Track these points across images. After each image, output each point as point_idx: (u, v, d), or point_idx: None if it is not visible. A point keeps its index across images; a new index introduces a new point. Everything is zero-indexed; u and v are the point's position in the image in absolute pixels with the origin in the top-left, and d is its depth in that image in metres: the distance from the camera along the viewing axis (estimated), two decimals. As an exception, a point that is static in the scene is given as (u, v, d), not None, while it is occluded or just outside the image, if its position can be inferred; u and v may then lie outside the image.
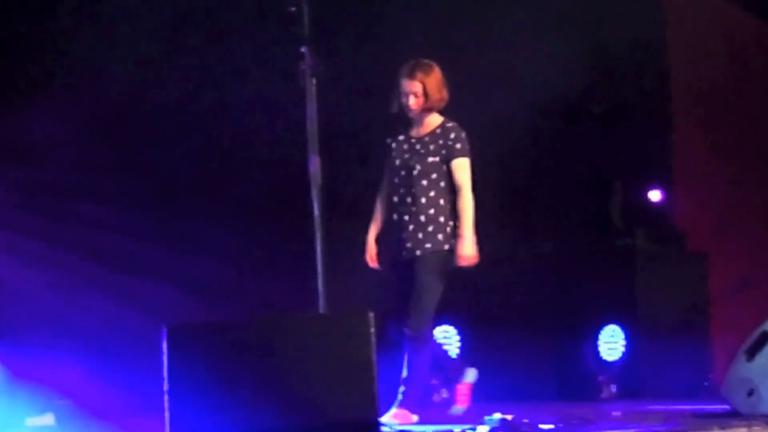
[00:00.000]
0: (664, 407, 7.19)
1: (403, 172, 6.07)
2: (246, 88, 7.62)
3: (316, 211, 5.43)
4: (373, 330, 4.63)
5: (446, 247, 6.09)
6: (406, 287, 6.06)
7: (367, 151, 7.63)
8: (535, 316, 8.65)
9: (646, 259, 8.85)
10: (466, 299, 8.39)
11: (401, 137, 6.16)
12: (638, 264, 8.82)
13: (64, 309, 7.05)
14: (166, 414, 4.56)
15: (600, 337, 8.68)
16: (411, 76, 6.06)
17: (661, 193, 9.20)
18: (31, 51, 6.95)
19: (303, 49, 5.37)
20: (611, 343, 8.71)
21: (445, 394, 8.20)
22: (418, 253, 6.06)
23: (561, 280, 8.79)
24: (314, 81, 5.36)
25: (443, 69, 6.06)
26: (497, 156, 8.42)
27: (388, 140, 6.16)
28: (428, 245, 6.07)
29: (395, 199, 6.08)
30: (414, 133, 6.16)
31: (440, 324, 8.26)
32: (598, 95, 8.95)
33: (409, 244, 6.05)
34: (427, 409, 7.88)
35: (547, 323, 8.66)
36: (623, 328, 8.71)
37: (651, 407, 7.37)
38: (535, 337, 8.53)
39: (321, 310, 5.29)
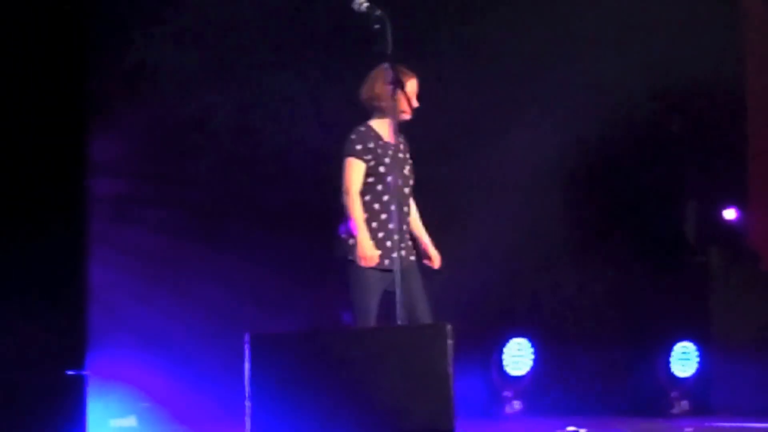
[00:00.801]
0: (736, 424, 7.20)
1: (400, 181, 5.87)
2: (323, 106, 7.73)
3: (395, 225, 5.49)
4: (450, 342, 4.70)
5: None
6: (406, 290, 5.82)
7: (442, 162, 7.72)
8: (609, 330, 8.67)
9: (719, 277, 8.85)
10: (540, 313, 8.45)
11: (380, 141, 5.90)
12: (712, 281, 8.83)
13: (148, 315, 7.19)
14: (247, 421, 4.66)
15: (673, 353, 8.68)
16: (416, 77, 5.95)
17: (736, 211, 9.19)
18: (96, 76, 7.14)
19: (386, 66, 5.45)
20: (684, 359, 8.71)
21: (517, 405, 8.27)
22: (413, 258, 5.99)
23: (635, 295, 8.81)
24: (396, 97, 5.43)
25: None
26: (572, 173, 8.47)
27: (371, 144, 5.83)
28: (415, 252, 6.06)
29: (392, 206, 5.79)
30: (387, 139, 5.90)
31: (514, 337, 8.31)
32: (674, 113, 8.95)
33: (404, 253, 5.86)
34: (501, 420, 7.98)
35: (620, 338, 8.68)
36: (696, 345, 8.72)
37: (723, 424, 7.38)
38: (609, 352, 8.55)
39: (399, 322, 5.36)
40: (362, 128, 5.88)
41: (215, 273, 7.35)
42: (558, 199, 8.45)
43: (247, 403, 4.68)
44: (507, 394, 8.25)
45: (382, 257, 5.82)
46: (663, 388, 8.61)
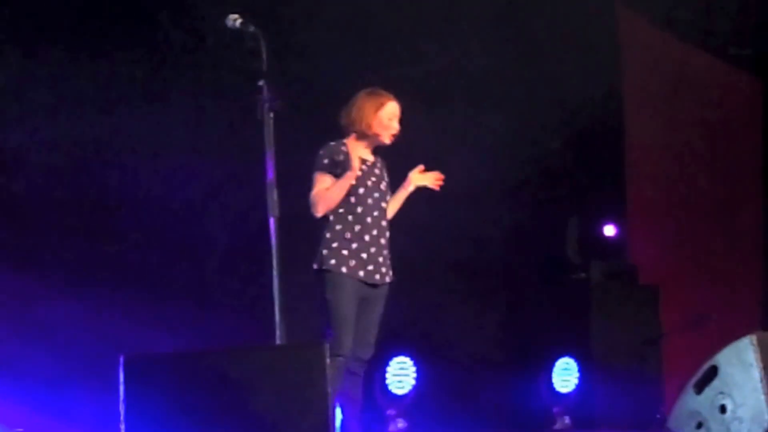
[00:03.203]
0: (616, 439, 7.29)
1: (376, 194, 6.02)
2: (202, 123, 7.61)
3: (274, 243, 5.44)
4: (328, 360, 4.67)
5: None
6: (368, 310, 6.04)
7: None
8: (490, 348, 8.72)
9: (600, 293, 8.97)
10: (422, 331, 8.45)
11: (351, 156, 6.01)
12: (592, 297, 8.95)
13: (15, 339, 6.99)
14: (122, 445, 4.55)
15: (554, 369, 8.77)
16: (394, 100, 6.08)
17: (615, 228, 9.33)
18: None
19: (261, 83, 5.41)
20: (565, 375, 8.81)
21: (401, 424, 8.26)
22: (388, 279, 6.08)
23: (516, 312, 8.88)
24: (272, 115, 5.40)
25: (406, 111, 6.08)
26: (454, 191, 8.49)
27: (341, 158, 5.94)
28: (391, 272, 6.14)
29: (368, 220, 5.97)
30: (362, 155, 6.05)
31: (397, 355, 8.30)
32: (554, 131, 9.06)
33: (383, 269, 6.03)
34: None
35: (502, 355, 8.73)
36: (577, 361, 8.82)
37: (604, 439, 7.46)
38: (490, 369, 8.59)
39: (278, 341, 5.30)
40: (333, 143, 6.00)
41: (88, 294, 7.18)
42: (439, 216, 8.47)
43: (122, 427, 4.57)
44: (390, 412, 8.24)
45: (356, 268, 5.91)
46: (545, 404, 8.69)
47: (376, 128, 6.04)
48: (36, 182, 7.15)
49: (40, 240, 7.14)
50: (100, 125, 7.25)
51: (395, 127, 6.08)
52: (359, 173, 5.97)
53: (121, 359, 4.58)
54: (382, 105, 6.04)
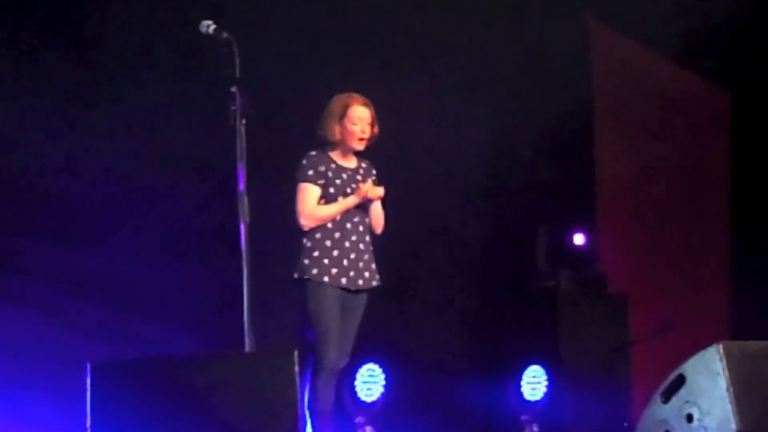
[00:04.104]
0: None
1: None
2: (174, 129, 7.59)
3: (244, 249, 5.44)
4: (297, 368, 4.67)
5: None
6: (348, 319, 6.05)
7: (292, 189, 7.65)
8: (460, 355, 8.72)
9: (569, 301, 9.00)
10: (391, 338, 8.45)
11: (333, 165, 6.04)
12: (561, 306, 8.97)
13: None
14: (89, 453, 4.53)
15: (523, 377, 8.78)
16: (367, 105, 6.05)
17: (584, 236, 9.35)
18: None
19: (233, 89, 5.41)
20: (534, 383, 8.82)
21: (370, 431, 8.25)
22: (374, 283, 6.10)
23: (485, 320, 8.88)
24: (244, 121, 5.40)
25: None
26: (424, 198, 8.51)
27: (322, 168, 6.00)
28: (378, 276, 6.14)
29: (348, 225, 5.98)
30: (343, 163, 6.07)
31: (366, 362, 8.29)
32: (524, 141, 9.08)
33: (367, 274, 6.05)
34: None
35: (471, 363, 8.74)
36: (546, 369, 8.84)
37: (572, 447, 7.48)
38: (459, 377, 8.59)
39: (247, 348, 5.29)
40: (313, 153, 6.01)
41: (54, 302, 7.13)
42: (407, 223, 8.47)
43: (89, 436, 4.56)
44: (359, 420, 8.22)
45: (338, 276, 5.91)
46: (513, 411, 8.70)
47: (341, 135, 6.02)
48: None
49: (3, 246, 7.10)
50: (66, 130, 7.23)
51: (361, 131, 6.04)
52: (338, 182, 6.00)
53: (88, 366, 4.56)
54: (345, 110, 6.02)
